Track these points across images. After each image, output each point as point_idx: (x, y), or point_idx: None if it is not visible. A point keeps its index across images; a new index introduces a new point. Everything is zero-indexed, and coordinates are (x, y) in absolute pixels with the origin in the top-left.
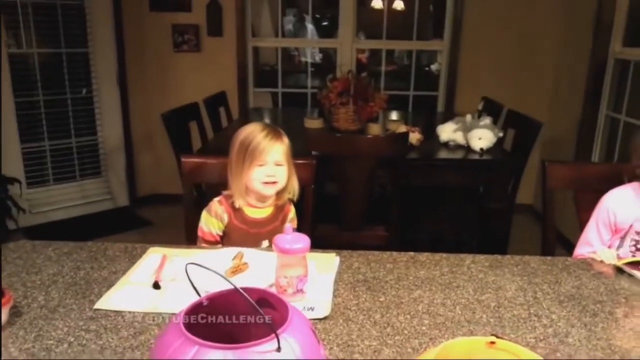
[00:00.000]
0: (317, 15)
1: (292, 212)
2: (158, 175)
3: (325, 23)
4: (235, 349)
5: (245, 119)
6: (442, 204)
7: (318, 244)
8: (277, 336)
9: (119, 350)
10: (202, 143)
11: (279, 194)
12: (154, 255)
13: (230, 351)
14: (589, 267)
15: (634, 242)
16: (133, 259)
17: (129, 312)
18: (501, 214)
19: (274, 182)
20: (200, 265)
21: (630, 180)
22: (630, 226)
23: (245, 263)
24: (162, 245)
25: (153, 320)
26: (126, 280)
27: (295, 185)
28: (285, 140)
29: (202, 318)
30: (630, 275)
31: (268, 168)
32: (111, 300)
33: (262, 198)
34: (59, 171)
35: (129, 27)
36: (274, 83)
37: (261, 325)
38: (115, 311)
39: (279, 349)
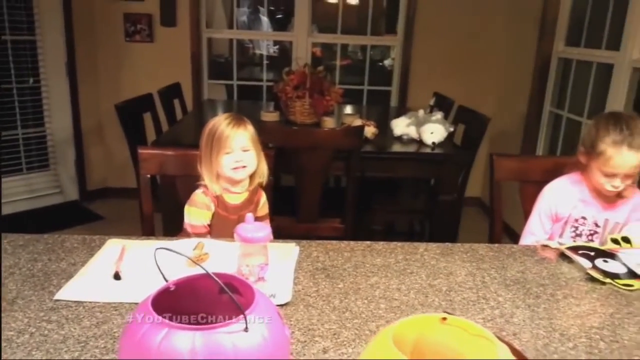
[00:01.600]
0: (272, 8)
1: (263, 197)
2: (109, 168)
3: (280, 16)
4: (204, 330)
5: (199, 111)
6: (396, 196)
7: (275, 236)
8: (245, 317)
9: (82, 339)
10: (156, 135)
11: (251, 177)
12: (113, 246)
13: (199, 332)
14: (533, 253)
15: (573, 229)
16: (91, 251)
17: (90, 302)
18: (451, 206)
19: (243, 167)
20: (170, 250)
21: (569, 171)
22: (569, 214)
23: (207, 253)
24: (121, 237)
25: (115, 310)
26: (86, 272)
27: (264, 169)
28: (249, 126)
29: (168, 300)
30: (571, 261)
31: (235, 154)
32: (71, 291)
33: (234, 183)
34: (5, 164)
35: (78, 15)
36: (228, 75)
37: (227, 310)
38: (76, 302)
39: (246, 329)
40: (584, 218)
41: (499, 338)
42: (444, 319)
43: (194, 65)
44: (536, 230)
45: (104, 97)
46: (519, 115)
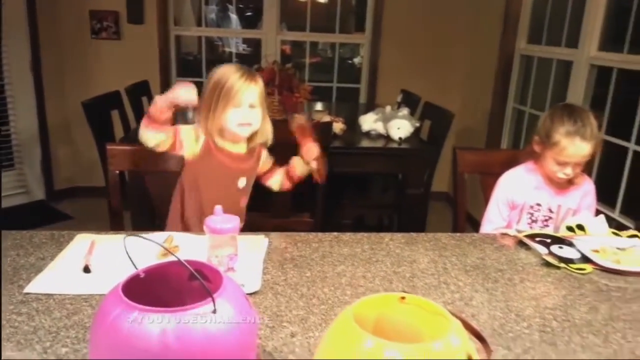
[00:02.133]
0: (241, 5)
1: (264, 153)
2: (76, 167)
3: (249, 13)
4: (174, 312)
5: None
6: (365, 191)
7: (246, 230)
8: (213, 299)
9: (52, 330)
10: (124, 132)
11: (251, 137)
12: (82, 241)
13: (168, 314)
14: (492, 241)
15: (529, 216)
16: (60, 246)
17: (60, 295)
18: (418, 199)
19: (248, 124)
20: (141, 236)
21: (524, 161)
22: (524, 202)
23: (176, 246)
24: (91, 232)
25: (86, 300)
26: (55, 266)
27: (268, 129)
28: (260, 82)
29: (139, 288)
30: (529, 247)
31: (243, 110)
32: (41, 284)
33: (235, 139)
34: None
35: (42, 11)
36: (197, 72)
37: (196, 295)
38: (46, 294)
39: (214, 311)
40: (538, 205)
41: (453, 314)
42: (403, 298)
43: (162, 62)
44: (494, 218)
45: (70, 95)
46: (483, 111)
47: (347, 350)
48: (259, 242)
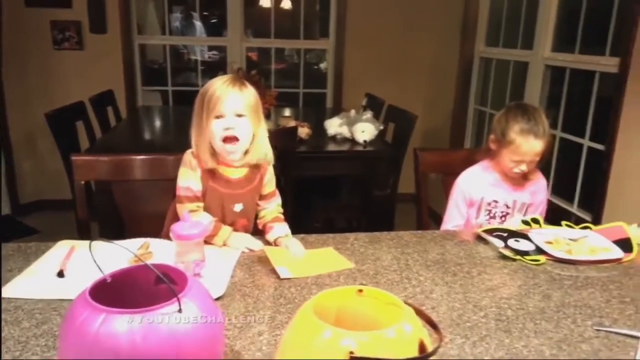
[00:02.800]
0: (205, 13)
1: (269, 172)
2: (42, 180)
3: (214, 20)
4: (140, 312)
5: (134, 118)
6: (334, 194)
7: None
8: (178, 299)
9: (22, 339)
10: (89, 143)
11: (247, 154)
12: (63, 247)
13: (135, 315)
14: (452, 237)
15: (487, 212)
16: (27, 257)
17: (29, 304)
18: (384, 201)
19: (234, 138)
20: (107, 240)
21: (480, 159)
22: (482, 198)
23: (150, 252)
24: (73, 239)
25: (55, 309)
26: (32, 270)
27: (264, 146)
28: (249, 90)
29: (106, 292)
30: (487, 242)
31: (227, 120)
32: (14, 289)
33: (228, 161)
34: None
35: (3, 23)
36: (163, 81)
37: (163, 296)
38: (14, 306)
39: (180, 310)
40: (495, 201)
41: (406, 304)
42: (360, 290)
43: (126, 72)
44: (455, 216)
45: (33, 106)
46: (446, 113)
47: (308, 341)
48: (232, 250)
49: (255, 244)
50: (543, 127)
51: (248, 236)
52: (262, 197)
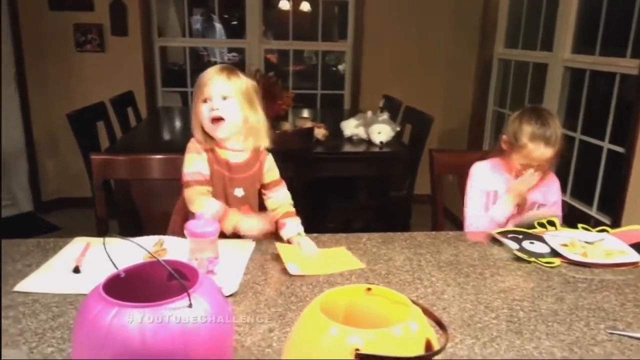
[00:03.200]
0: (225, 16)
1: (268, 161)
2: (64, 178)
3: (234, 22)
4: (152, 307)
5: (154, 118)
6: (351, 195)
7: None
8: (188, 295)
9: (38, 331)
10: (110, 143)
11: (241, 138)
12: (79, 243)
13: (147, 309)
14: (465, 238)
15: None
16: (46, 253)
17: (46, 298)
18: (401, 202)
19: (219, 119)
20: (119, 237)
21: (492, 157)
22: (496, 192)
23: (165, 249)
24: (92, 236)
25: (71, 304)
26: (49, 266)
27: (261, 130)
28: (240, 78)
29: (120, 287)
30: (501, 244)
31: (213, 102)
32: (31, 283)
33: (225, 144)
34: None
35: (26, 26)
36: (182, 82)
37: (175, 293)
38: (32, 299)
39: (190, 305)
40: None
41: (414, 303)
42: (369, 289)
43: (146, 73)
44: (475, 208)
45: (55, 107)
46: (464, 115)
47: (314, 337)
48: (245, 246)
49: (268, 225)
50: (555, 135)
51: (258, 218)
52: (266, 187)
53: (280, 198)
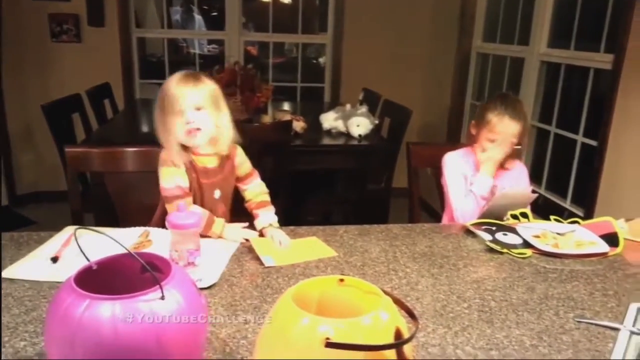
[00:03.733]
0: (205, 7)
1: (238, 156)
2: (39, 172)
3: (214, 14)
4: (123, 299)
5: (131, 110)
6: (330, 188)
7: None
8: (160, 287)
9: (11, 325)
10: (85, 134)
11: (213, 143)
12: (68, 233)
13: (118, 301)
14: (440, 230)
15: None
16: (20, 247)
17: (19, 292)
18: (379, 195)
19: (196, 129)
20: (90, 228)
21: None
22: (466, 177)
23: (150, 240)
24: (86, 228)
25: (44, 297)
26: (33, 254)
27: (228, 133)
28: (206, 83)
29: (92, 279)
30: (475, 235)
31: (187, 115)
32: (12, 271)
33: (198, 150)
34: None
35: (1, 15)
36: (161, 74)
37: (148, 284)
38: (5, 292)
39: (162, 298)
40: None
41: (385, 292)
42: (342, 280)
43: (124, 65)
44: (460, 193)
45: (31, 99)
46: (443, 108)
47: (287, 327)
48: (230, 242)
49: (250, 233)
50: (519, 112)
51: (240, 226)
52: (240, 180)
53: (255, 189)
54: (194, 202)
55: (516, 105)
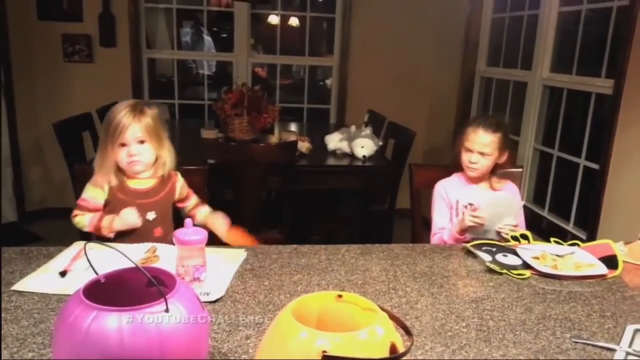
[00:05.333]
0: (215, 29)
1: (179, 181)
2: (48, 188)
3: (224, 35)
4: (129, 311)
5: None
6: (334, 209)
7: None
8: (165, 300)
9: (20, 337)
10: (95, 153)
11: (155, 168)
12: (77, 247)
13: (125, 313)
14: (442, 250)
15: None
16: (29, 261)
17: (29, 305)
18: (383, 216)
19: (137, 161)
20: (101, 243)
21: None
22: (457, 201)
23: (157, 256)
24: (96, 242)
25: (53, 310)
26: (45, 268)
27: (168, 160)
28: (145, 116)
29: (100, 292)
30: (475, 256)
31: (130, 148)
32: (24, 284)
33: (134, 173)
34: None
35: (14, 36)
36: (171, 94)
37: (154, 297)
38: (14, 305)
39: (167, 310)
40: (470, 204)
41: (381, 309)
42: (340, 296)
43: (134, 85)
44: (441, 219)
45: (42, 117)
46: (447, 130)
47: (285, 340)
48: (236, 255)
49: (133, 216)
50: (495, 127)
51: (133, 211)
52: (181, 201)
53: (204, 212)
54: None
55: (491, 119)
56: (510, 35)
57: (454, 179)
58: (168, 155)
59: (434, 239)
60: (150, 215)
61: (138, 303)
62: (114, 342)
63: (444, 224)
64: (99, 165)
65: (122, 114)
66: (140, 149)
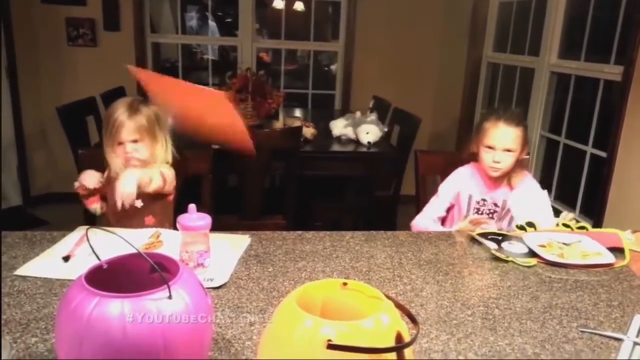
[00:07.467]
0: (219, 13)
1: (170, 174)
2: (53, 173)
3: (228, 20)
4: (132, 298)
5: None
6: (339, 195)
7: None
8: (168, 286)
9: (23, 322)
10: (99, 137)
11: (145, 164)
12: (80, 232)
13: (127, 299)
14: (447, 238)
15: (475, 210)
16: (33, 245)
17: (32, 290)
18: (387, 202)
19: (134, 158)
20: (102, 228)
21: (468, 162)
22: (470, 196)
23: (161, 241)
24: (99, 227)
25: (56, 295)
26: (48, 253)
27: (161, 155)
28: (144, 113)
29: (102, 278)
30: (481, 244)
31: (126, 146)
32: (27, 268)
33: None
34: None
35: (18, 20)
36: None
37: (157, 283)
38: (17, 290)
39: (170, 297)
40: (484, 200)
41: (387, 297)
42: (345, 284)
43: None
44: (436, 210)
45: (46, 101)
46: (453, 117)
47: (290, 329)
48: (240, 241)
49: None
50: (515, 119)
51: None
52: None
53: None
54: (115, 208)
55: (512, 112)
56: (518, 21)
57: (470, 172)
58: (161, 152)
59: (419, 222)
60: (138, 203)
61: (141, 289)
62: (116, 328)
63: (437, 214)
64: (108, 158)
65: (118, 112)
66: (135, 146)
